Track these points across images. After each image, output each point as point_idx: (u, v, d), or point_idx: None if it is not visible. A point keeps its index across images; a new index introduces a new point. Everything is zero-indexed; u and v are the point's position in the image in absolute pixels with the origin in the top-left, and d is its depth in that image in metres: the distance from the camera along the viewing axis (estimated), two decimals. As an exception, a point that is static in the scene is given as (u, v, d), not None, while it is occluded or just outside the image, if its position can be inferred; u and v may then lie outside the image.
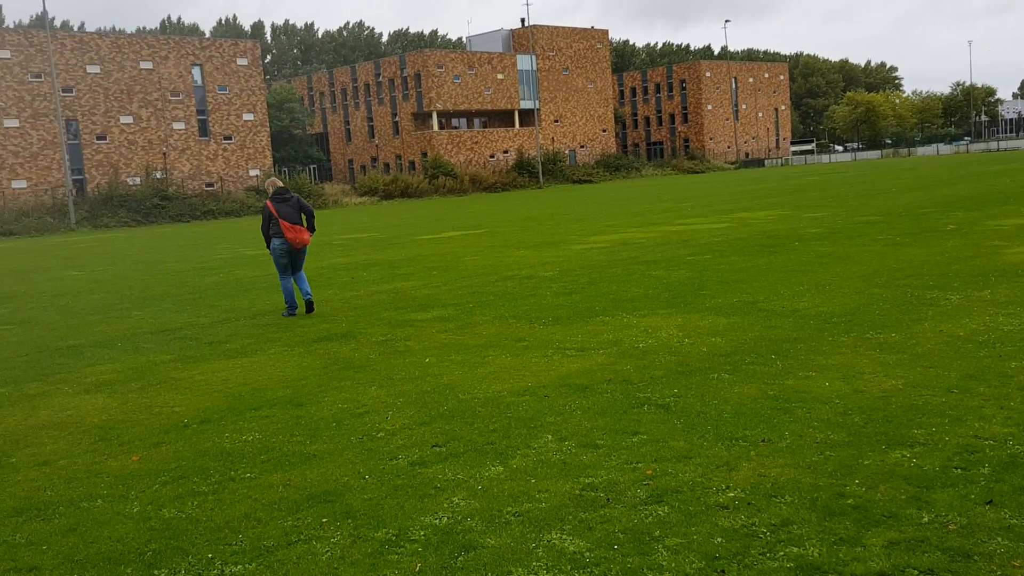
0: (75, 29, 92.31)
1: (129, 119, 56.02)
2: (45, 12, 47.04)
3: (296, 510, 4.74)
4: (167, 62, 57.64)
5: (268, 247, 11.56)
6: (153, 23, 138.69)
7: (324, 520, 4.56)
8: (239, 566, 4.08)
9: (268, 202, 11.45)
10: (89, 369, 9.01)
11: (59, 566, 4.21)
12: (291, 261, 11.55)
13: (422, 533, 4.30)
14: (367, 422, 6.36)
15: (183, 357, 9.36)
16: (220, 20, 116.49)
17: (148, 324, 11.90)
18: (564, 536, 4.15)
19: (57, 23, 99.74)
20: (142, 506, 4.95)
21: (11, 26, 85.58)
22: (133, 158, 56.14)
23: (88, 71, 54.36)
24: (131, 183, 52.80)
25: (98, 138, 55.02)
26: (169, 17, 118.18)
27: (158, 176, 54.29)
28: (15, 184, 51.71)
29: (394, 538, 4.27)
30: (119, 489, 5.27)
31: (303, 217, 11.46)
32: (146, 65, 56.67)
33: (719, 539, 4.02)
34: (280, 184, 11.73)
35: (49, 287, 17.82)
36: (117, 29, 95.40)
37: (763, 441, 5.32)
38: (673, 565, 3.80)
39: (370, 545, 4.21)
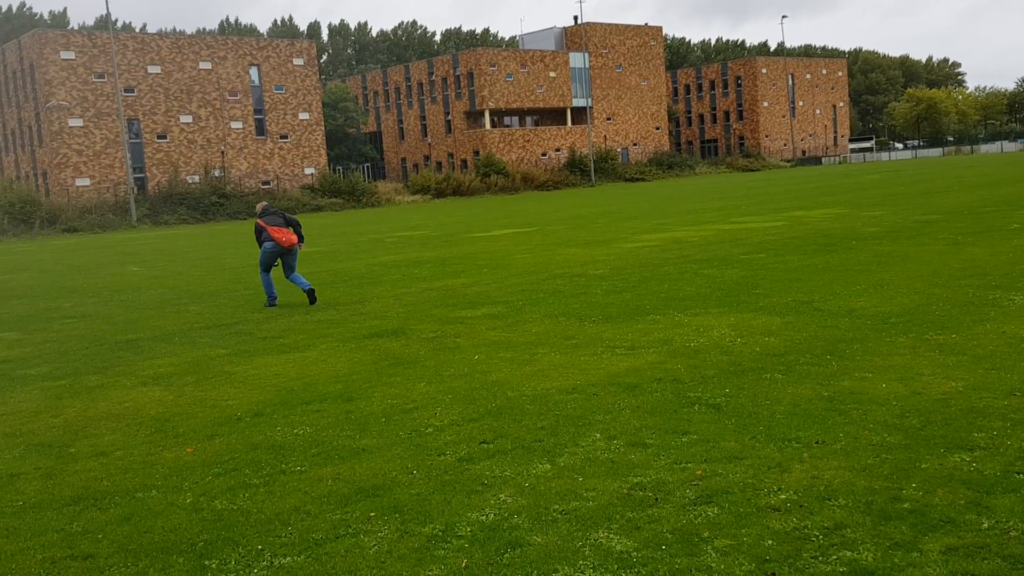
0: (137, 30, 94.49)
1: (188, 118, 57.17)
2: (108, 14, 48.23)
3: (345, 504, 4.77)
4: (225, 62, 58.69)
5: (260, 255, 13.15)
6: (212, 24, 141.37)
7: (372, 514, 4.59)
8: (288, 558, 4.12)
9: (258, 220, 13.16)
10: (147, 362, 9.21)
11: (114, 554, 4.30)
12: (284, 262, 13.03)
13: (469, 529, 4.30)
14: (416, 418, 6.39)
15: (238, 351, 9.50)
16: (277, 21, 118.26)
17: (204, 319, 12.12)
18: (611, 535, 4.11)
19: (119, 25, 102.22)
20: (195, 497, 5.04)
21: (75, 28, 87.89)
22: (192, 157, 57.29)
23: (149, 71, 55.60)
24: (190, 181, 53.87)
25: (159, 137, 56.26)
26: (227, 18, 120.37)
27: (216, 174, 55.31)
28: (79, 182, 53.12)
29: (441, 533, 4.28)
30: (173, 480, 5.36)
31: (289, 226, 13.00)
32: (205, 65, 57.78)
33: (770, 541, 3.94)
34: (266, 204, 13.38)
35: (110, 282, 18.26)
36: (177, 30, 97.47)
37: (817, 443, 5.21)
38: (722, 567, 3.74)
39: (417, 540, 4.22)
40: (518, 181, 66.41)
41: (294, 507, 4.77)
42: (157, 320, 12.32)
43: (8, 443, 6.46)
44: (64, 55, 52.63)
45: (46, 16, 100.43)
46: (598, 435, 5.63)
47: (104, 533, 4.58)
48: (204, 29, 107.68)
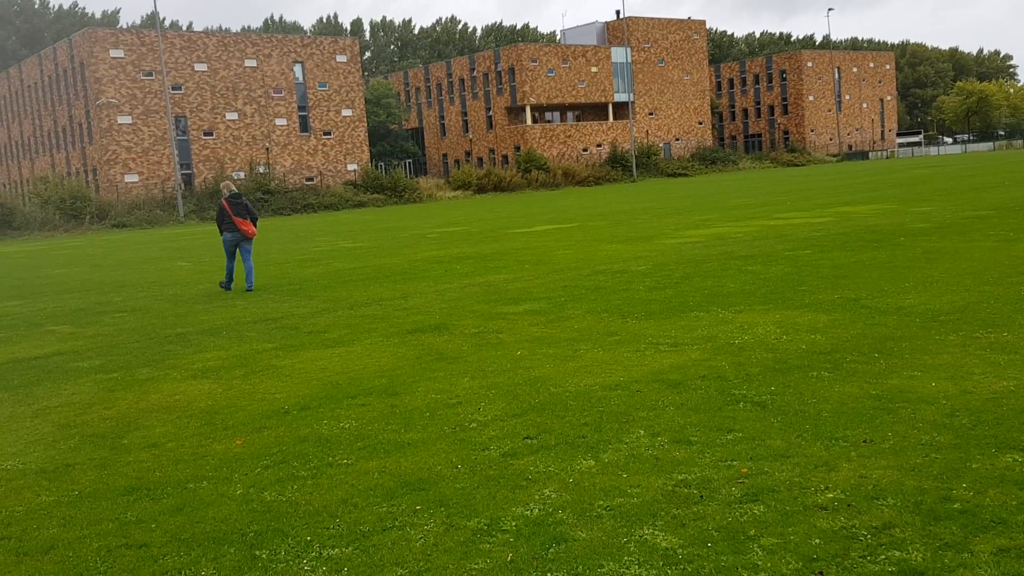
0: (184, 29, 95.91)
1: (234, 115, 57.95)
2: (156, 12, 49.06)
3: (391, 497, 4.83)
4: (270, 60, 59.38)
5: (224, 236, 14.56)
6: (257, 22, 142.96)
7: (418, 507, 4.64)
8: (336, 549, 4.19)
9: (224, 201, 14.19)
10: (196, 356, 9.38)
11: (167, 544, 4.40)
12: (240, 250, 14.42)
13: (513, 524, 4.33)
14: (460, 413, 6.43)
15: (284, 346, 9.64)
16: (321, 18, 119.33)
17: (251, 313, 12.30)
18: (656, 532, 4.12)
19: (167, 23, 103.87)
20: (245, 488, 5.13)
21: (124, 26, 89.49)
22: (238, 153, 58.07)
23: (196, 69, 56.45)
24: (236, 177, 54.61)
25: (205, 134, 57.11)
26: (272, 16, 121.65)
27: (261, 170, 56.01)
28: (128, 178, 54.14)
29: (486, 528, 4.31)
30: (223, 472, 5.47)
31: (249, 216, 14.30)
32: (250, 63, 58.51)
33: (817, 540, 3.92)
34: (234, 189, 14.41)
35: (159, 277, 18.61)
36: (223, 28, 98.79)
37: (864, 442, 5.16)
38: (769, 565, 3.72)
39: (462, 534, 4.26)
40: (559, 177, 66.28)
41: (341, 499, 4.84)
42: (205, 314, 12.53)
43: (63, 434, 6.63)
44: (113, 53, 53.64)
45: (98, 15, 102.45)
46: (642, 432, 5.62)
47: (157, 523, 4.69)
48: (249, 27, 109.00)
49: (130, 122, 54.28)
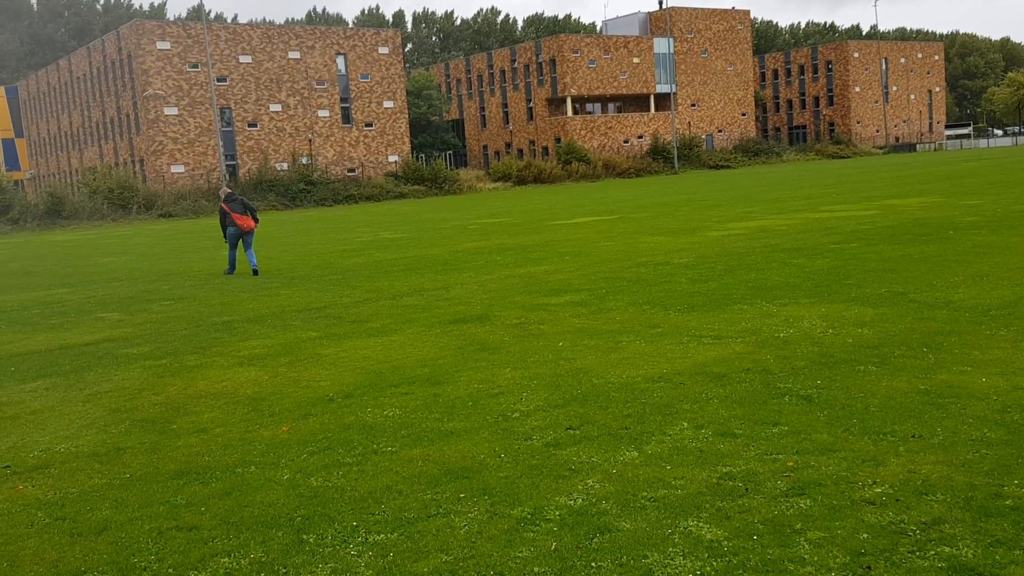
0: (228, 21, 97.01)
1: (278, 107, 58.53)
2: (202, 5, 49.71)
3: (435, 484, 4.87)
4: (313, 52, 59.84)
5: (224, 234, 16.55)
6: (300, 14, 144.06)
7: (462, 495, 4.67)
8: (382, 535, 4.24)
9: (223, 204, 16.18)
10: (242, 343, 9.52)
11: (216, 527, 4.48)
12: (243, 242, 16.30)
13: (557, 513, 4.34)
14: (502, 402, 6.46)
15: (328, 334, 9.74)
16: (363, 10, 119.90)
17: (295, 302, 12.45)
18: (701, 524, 4.10)
19: (212, 16, 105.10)
20: (292, 474, 5.20)
21: (171, 19, 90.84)
22: (281, 144, 58.66)
23: (240, 61, 57.08)
24: (279, 168, 55.21)
25: (249, 125, 57.76)
26: (315, 8, 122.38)
27: (304, 162, 56.53)
28: (174, 169, 54.97)
29: (530, 516, 4.33)
30: (270, 457, 5.55)
31: (247, 211, 16.20)
32: (294, 55, 59.02)
33: (865, 535, 3.88)
34: (229, 191, 16.56)
35: (204, 266, 18.89)
36: (267, 21, 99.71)
37: (913, 437, 5.09)
38: (816, 559, 3.69)
39: (506, 522, 4.28)
40: (599, 168, 66.01)
41: (386, 486, 4.89)
42: (250, 303, 12.70)
43: (115, 418, 6.77)
44: (160, 45, 54.44)
45: (145, 7, 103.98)
46: (685, 424, 5.60)
47: (207, 506, 4.78)
48: (293, 19, 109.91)
49: (176, 113, 55.07)
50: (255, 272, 16.20)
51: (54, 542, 4.43)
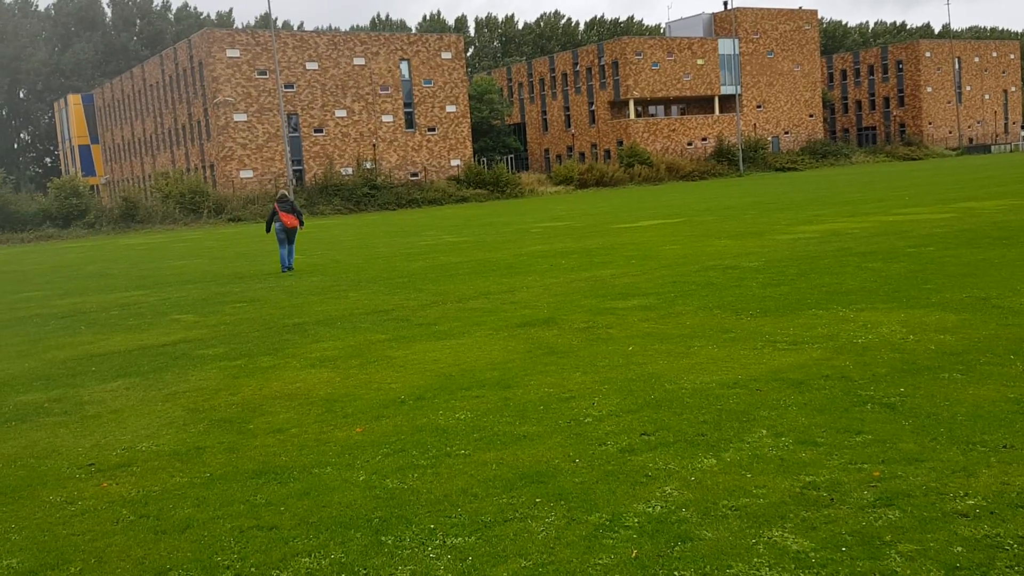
0: (295, 28, 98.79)
1: (343, 112, 59.37)
2: (270, 13, 50.68)
3: (510, 488, 4.84)
4: (378, 58, 60.56)
5: (267, 230, 18.53)
6: (364, 21, 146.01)
7: (537, 500, 4.64)
8: (459, 538, 4.23)
9: (275, 204, 17.96)
10: (313, 345, 9.64)
11: (296, 527, 4.53)
12: (288, 238, 17.89)
13: (636, 520, 4.28)
14: (574, 407, 6.41)
15: (396, 337, 9.81)
16: (425, 16, 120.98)
17: (363, 305, 12.57)
18: (786, 534, 4.00)
19: (280, 23, 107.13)
20: (367, 475, 5.23)
21: (240, 27, 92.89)
22: (346, 149, 59.48)
23: (307, 68, 58.06)
24: (344, 173, 55.98)
25: (315, 131, 58.70)
26: (379, 14, 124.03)
27: (368, 166, 57.20)
28: (243, 174, 56.14)
29: (608, 523, 4.27)
30: (345, 458, 5.59)
31: (295, 213, 17.95)
32: (359, 61, 59.81)
33: (959, 548, 3.74)
34: (285, 194, 18.45)
35: (274, 269, 19.21)
36: (332, 28, 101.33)
37: (1004, 447, 4.90)
38: (908, 572, 3.57)
39: (584, 528, 4.24)
40: (662, 171, 65.42)
41: (461, 489, 4.88)
42: (320, 305, 12.87)
43: (193, 418, 6.91)
44: (230, 53, 55.67)
45: (213, 16, 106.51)
46: (764, 431, 5.48)
47: (286, 506, 4.83)
48: (357, 26, 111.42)
49: (245, 119, 56.23)
50: (290, 268, 18.09)
51: (139, 539, 4.52)
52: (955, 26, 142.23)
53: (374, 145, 60.20)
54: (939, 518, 4.05)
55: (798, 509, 4.26)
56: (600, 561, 3.88)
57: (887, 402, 5.90)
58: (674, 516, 4.29)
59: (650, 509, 4.40)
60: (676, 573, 3.71)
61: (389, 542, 4.25)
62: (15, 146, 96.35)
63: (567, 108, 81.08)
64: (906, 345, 7.49)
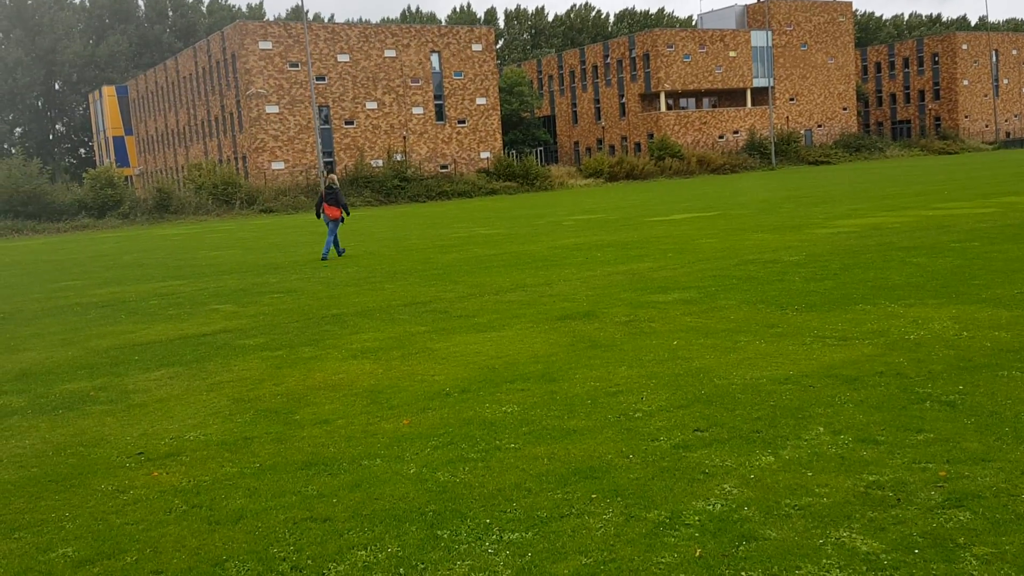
0: (326, 21, 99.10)
1: (374, 105, 59.50)
2: (302, 5, 50.85)
3: (564, 484, 4.77)
4: (408, 50, 60.60)
5: (317, 216, 19.45)
6: (395, 13, 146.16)
7: (593, 496, 4.56)
8: (516, 534, 4.16)
9: (322, 192, 19.03)
10: (353, 336, 9.62)
11: (349, 519, 4.49)
12: (330, 228, 18.82)
13: (696, 518, 4.19)
14: (622, 401, 6.32)
15: (436, 329, 9.77)
16: (455, 8, 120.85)
17: (400, 296, 12.55)
18: (854, 535, 3.89)
19: (311, 16, 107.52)
20: (418, 468, 5.19)
21: (271, 19, 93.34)
22: (376, 141, 59.63)
23: (339, 60, 58.23)
24: (374, 165, 56.13)
25: (346, 123, 58.89)
26: (409, 6, 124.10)
27: (398, 159, 57.32)
28: (274, 165, 56.47)
29: (668, 521, 4.19)
30: (394, 450, 5.55)
31: (339, 205, 18.87)
32: (390, 53, 59.89)
33: (1037, 553, 3.61)
34: (331, 184, 19.10)
35: (309, 260, 19.27)
36: (363, 20, 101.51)
37: (1075, 449, 4.75)
38: (987, 577, 3.45)
39: (644, 525, 4.16)
40: (693, 164, 64.95)
41: (514, 483, 4.82)
42: (356, 296, 12.87)
43: (238, 408, 6.90)
44: (262, 45, 55.95)
45: (244, 8, 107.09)
46: (821, 428, 5.37)
47: (338, 497, 4.79)
48: (388, 18, 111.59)
49: (277, 111, 56.53)
50: (323, 257, 18.85)
51: (193, 529, 4.50)
52: (992, 18, 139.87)
53: (404, 137, 60.29)
54: (1013, 520, 3.93)
55: (864, 509, 4.15)
56: (663, 560, 3.80)
57: (946, 400, 5.75)
58: (736, 514, 4.20)
59: (710, 507, 4.31)
60: (743, 573, 3.62)
61: (445, 536, 4.19)
62: (51, 137, 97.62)
63: (597, 101, 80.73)
64: (960, 342, 7.33)
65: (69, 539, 4.48)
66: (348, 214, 19.53)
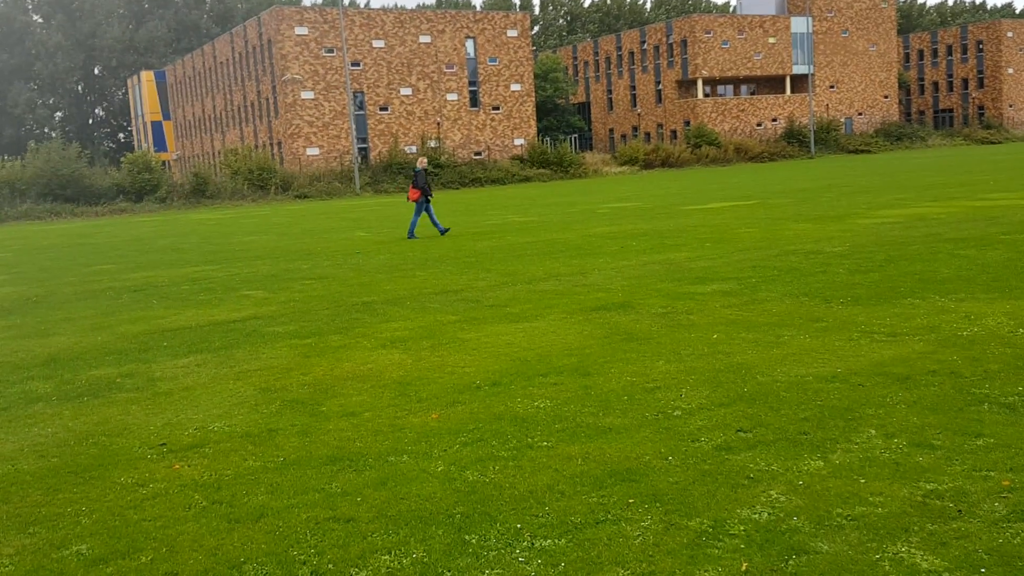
0: (362, 6, 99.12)
1: (408, 91, 59.34)
2: (339, -9, 50.76)
3: (599, 486, 4.53)
4: (443, 36, 60.32)
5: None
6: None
7: (630, 500, 4.32)
8: (548, 540, 3.93)
9: (415, 175, 20.01)
10: (383, 325, 9.43)
11: (374, 520, 4.28)
12: (417, 209, 20.10)
13: (741, 528, 3.93)
14: (660, 398, 6.06)
15: (467, 318, 9.55)
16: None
17: (431, 285, 12.35)
18: (913, 550, 3.61)
19: (347, 1, 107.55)
20: (446, 466, 4.97)
21: (307, 5, 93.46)
22: (411, 128, 59.49)
23: (374, 46, 58.11)
24: (408, 151, 56.01)
25: (380, 109, 58.80)
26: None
27: (432, 145, 57.13)
28: (309, 151, 56.57)
29: (710, 530, 3.94)
30: (422, 446, 5.34)
31: (420, 187, 19.77)
32: (425, 39, 59.65)
33: (1117, 577, 3.31)
34: (416, 166, 20.18)
35: (341, 246, 19.16)
36: (398, 6, 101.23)
37: None
38: (1063, 603, 3.16)
39: (685, 535, 3.91)
40: (730, 152, 64.06)
41: (547, 485, 4.59)
42: (388, 284, 12.69)
43: (264, 398, 6.74)
44: (299, 31, 55.97)
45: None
46: (873, 431, 5.07)
47: (362, 496, 4.59)
48: (423, 4, 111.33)
49: (312, 97, 56.58)
50: (409, 235, 19.91)
51: (212, 527, 4.33)
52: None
53: (438, 124, 60.09)
54: (1087, 538, 3.62)
55: (923, 521, 3.87)
56: (706, 573, 3.55)
57: (1005, 402, 5.43)
58: (784, 525, 3.93)
59: (756, 516, 4.04)
60: (793, 591, 3.37)
61: (473, 541, 3.98)
62: (90, 121, 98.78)
63: (633, 87, 79.91)
64: (1016, 339, 6.96)
65: (84, 535, 4.32)
66: (431, 196, 20.23)
